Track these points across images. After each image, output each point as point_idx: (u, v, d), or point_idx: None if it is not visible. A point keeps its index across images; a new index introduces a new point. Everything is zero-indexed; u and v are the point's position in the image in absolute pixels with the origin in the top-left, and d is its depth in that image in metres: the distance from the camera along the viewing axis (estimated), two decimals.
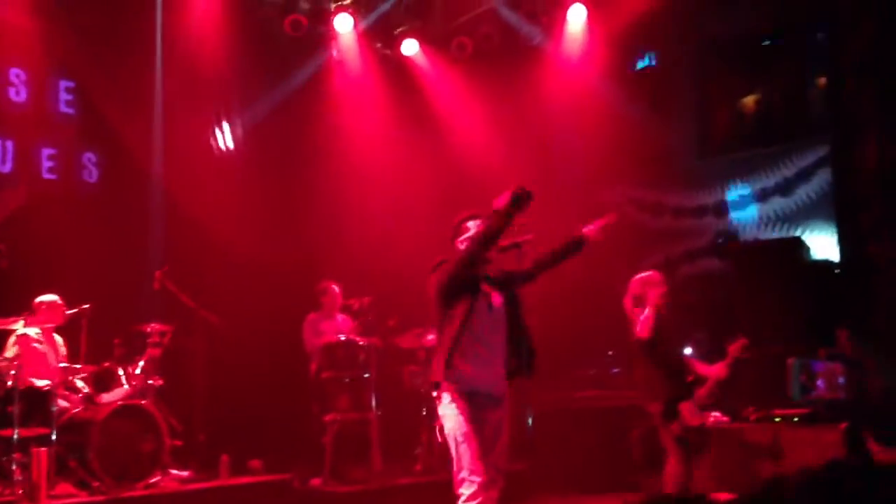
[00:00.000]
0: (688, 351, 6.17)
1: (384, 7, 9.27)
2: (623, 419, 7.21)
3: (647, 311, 5.56)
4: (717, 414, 6.47)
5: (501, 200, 4.23)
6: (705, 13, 8.48)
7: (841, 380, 5.82)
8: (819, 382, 5.86)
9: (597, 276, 8.94)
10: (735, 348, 5.53)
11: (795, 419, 6.22)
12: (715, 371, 5.57)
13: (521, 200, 4.21)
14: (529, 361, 4.42)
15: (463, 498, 4.13)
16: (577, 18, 8.95)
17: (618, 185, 9.16)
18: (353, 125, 9.43)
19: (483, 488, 4.12)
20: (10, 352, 6.46)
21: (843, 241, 7.11)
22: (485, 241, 4.28)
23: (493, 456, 4.25)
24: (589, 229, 4.59)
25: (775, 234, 7.86)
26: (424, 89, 9.66)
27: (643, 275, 5.78)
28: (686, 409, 5.45)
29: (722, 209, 8.39)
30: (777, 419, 6.33)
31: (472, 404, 4.22)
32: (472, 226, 4.45)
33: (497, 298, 4.40)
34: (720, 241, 8.19)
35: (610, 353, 8.17)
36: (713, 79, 8.70)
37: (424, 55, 9.60)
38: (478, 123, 9.31)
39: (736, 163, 8.46)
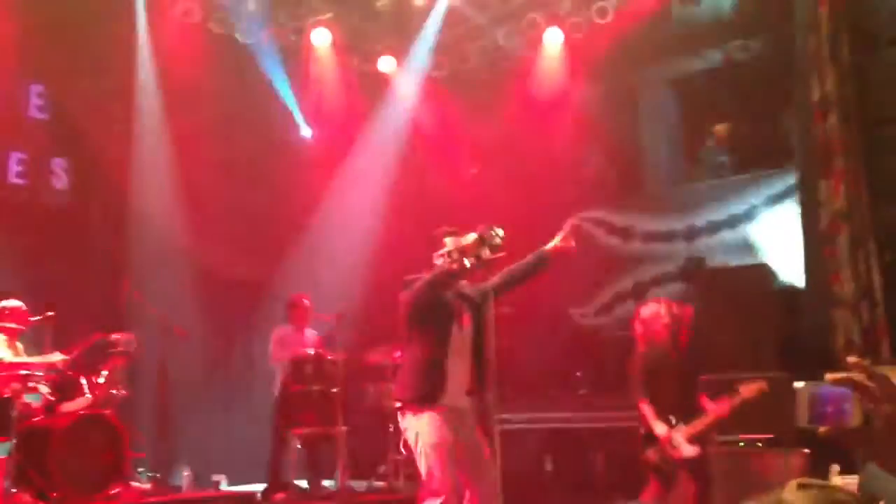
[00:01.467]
0: None
1: (361, 23, 9.31)
2: (589, 441, 7.25)
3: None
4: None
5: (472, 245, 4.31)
6: (679, 46, 8.64)
7: (848, 406, 5.74)
8: (828, 409, 5.79)
9: (565, 298, 9.05)
10: (748, 390, 5.36)
11: (759, 444, 6.27)
12: (716, 408, 5.43)
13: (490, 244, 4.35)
14: (484, 376, 4.50)
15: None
16: (552, 42, 9.05)
17: (588, 208, 9.24)
18: (331, 139, 9.44)
19: None
20: None
21: (808, 271, 7.23)
22: (450, 277, 4.36)
23: (482, 484, 4.26)
24: (553, 245, 4.63)
25: (742, 260, 7.98)
26: (401, 106, 9.71)
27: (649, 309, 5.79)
28: (667, 439, 5.38)
29: (691, 235, 8.51)
30: (741, 444, 6.37)
31: (444, 419, 4.24)
32: (449, 242, 4.46)
33: (466, 318, 4.42)
34: (688, 266, 8.29)
35: (578, 374, 8.21)
36: (687, 108, 8.85)
37: (402, 72, 9.66)
38: (452, 142, 9.37)
39: (707, 189, 8.59)
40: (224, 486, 7.04)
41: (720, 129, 8.70)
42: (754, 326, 6.92)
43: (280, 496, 6.92)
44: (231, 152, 8.89)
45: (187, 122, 8.45)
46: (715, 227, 8.39)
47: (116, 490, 6.24)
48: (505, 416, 8.03)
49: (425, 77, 9.59)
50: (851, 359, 1.85)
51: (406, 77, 9.67)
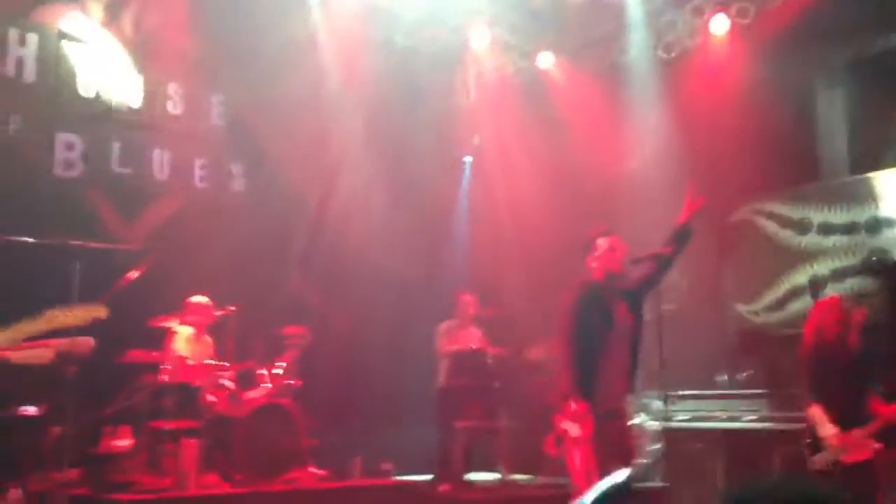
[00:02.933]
0: None
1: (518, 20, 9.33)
2: (761, 443, 6.96)
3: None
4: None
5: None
6: (859, 27, 8.09)
7: None
8: None
9: (731, 294, 8.70)
10: None
11: None
12: (887, 410, 5.15)
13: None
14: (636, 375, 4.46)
15: None
16: (719, 29, 8.72)
17: (758, 200, 8.85)
18: (490, 137, 9.52)
19: None
20: (165, 349, 6.87)
21: None
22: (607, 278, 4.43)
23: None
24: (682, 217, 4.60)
25: None
26: (559, 101, 9.65)
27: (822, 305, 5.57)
28: (837, 442, 5.12)
29: (874, 227, 7.95)
30: None
31: (596, 418, 4.19)
32: (603, 243, 4.44)
33: (623, 316, 4.37)
34: (871, 260, 7.75)
35: (745, 373, 7.91)
36: (867, 92, 8.27)
37: (560, 68, 9.61)
38: (612, 136, 9.21)
39: (890, 178, 8.00)
40: (391, 475, 7.27)
41: None
42: None
43: (446, 487, 7.07)
44: (398, 151, 9.15)
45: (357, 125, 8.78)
46: None
47: (294, 475, 6.59)
48: (671, 415, 7.90)
49: (584, 71, 9.49)
50: None
51: (564, 72, 9.61)
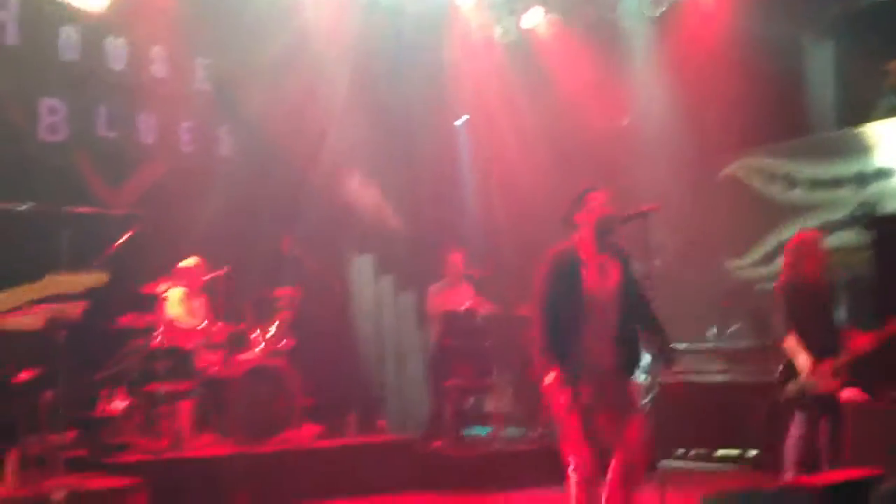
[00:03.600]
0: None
1: None
2: (747, 396, 7.08)
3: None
4: (855, 391, 6.20)
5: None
6: None
7: None
8: None
9: (720, 249, 8.76)
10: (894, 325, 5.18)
11: None
12: (861, 341, 5.28)
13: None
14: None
15: (570, 468, 4.19)
16: None
17: (747, 155, 8.86)
18: (478, 96, 9.47)
19: (582, 467, 4.12)
20: (157, 313, 6.89)
21: None
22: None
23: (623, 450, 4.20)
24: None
25: None
26: (548, 59, 9.60)
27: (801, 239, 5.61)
28: (810, 371, 5.23)
29: (862, 180, 7.99)
30: None
31: (581, 381, 4.14)
32: (594, 198, 4.39)
33: (607, 278, 4.30)
34: (859, 213, 7.80)
35: (735, 327, 7.99)
36: (855, 46, 8.25)
37: (548, 25, 9.53)
38: (602, 94, 9.17)
39: (879, 132, 8.01)
40: (385, 433, 7.35)
41: (893, 66, 8.05)
42: None
43: (438, 443, 7.16)
44: (386, 110, 9.10)
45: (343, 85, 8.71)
46: (888, 173, 7.83)
47: (288, 434, 6.66)
48: (664, 372, 7.99)
49: (573, 28, 9.43)
50: None
51: (553, 29, 9.54)
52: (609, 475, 4.21)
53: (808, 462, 5.33)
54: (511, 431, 7.38)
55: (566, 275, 4.20)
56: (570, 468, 4.17)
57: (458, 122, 9.44)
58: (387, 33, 9.07)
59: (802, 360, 5.28)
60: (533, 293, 4.28)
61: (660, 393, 7.90)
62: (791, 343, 5.34)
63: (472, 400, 7.53)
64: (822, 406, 5.30)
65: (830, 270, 5.57)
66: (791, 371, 5.35)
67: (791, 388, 5.35)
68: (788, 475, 5.37)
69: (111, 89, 8.14)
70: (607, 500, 4.18)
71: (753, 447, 7.25)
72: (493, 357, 7.35)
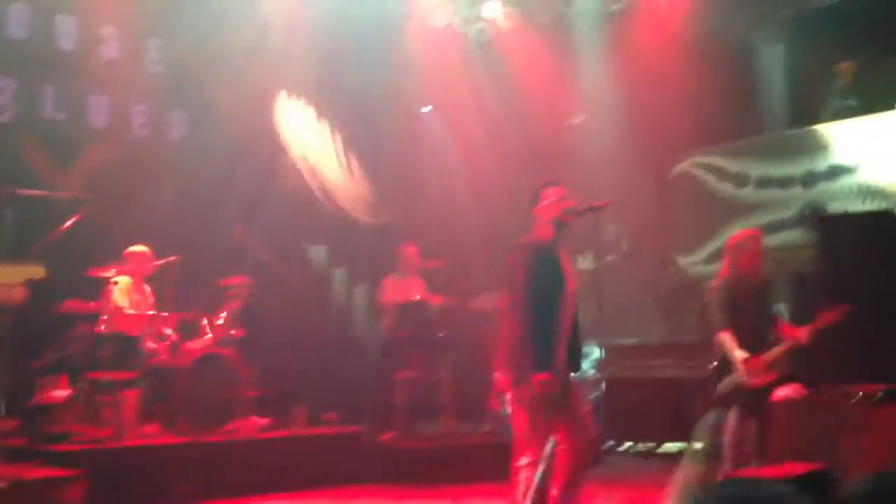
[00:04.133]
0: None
1: None
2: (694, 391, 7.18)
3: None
4: (797, 386, 6.33)
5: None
6: None
7: None
8: None
9: (671, 245, 8.87)
10: (828, 317, 5.31)
11: (877, 396, 6.05)
12: (794, 334, 5.39)
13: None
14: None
15: (522, 462, 4.21)
16: None
17: (699, 153, 8.98)
18: (438, 88, 9.43)
19: (532, 466, 4.14)
20: (103, 299, 6.76)
21: None
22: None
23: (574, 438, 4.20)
24: None
25: (867, 206, 7.58)
26: (507, 52, 9.60)
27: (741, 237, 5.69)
28: (746, 366, 5.31)
29: (810, 180, 8.14)
30: (857, 395, 6.16)
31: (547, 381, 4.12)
32: (551, 193, 4.38)
33: (572, 274, 4.29)
34: (807, 212, 7.95)
35: (684, 323, 8.11)
36: (806, 48, 8.39)
37: (507, 18, 9.53)
38: (556, 90, 9.21)
39: (828, 132, 8.17)
40: (334, 425, 7.31)
41: (844, 67, 8.21)
42: (877, 275, 6.60)
43: (386, 436, 7.15)
44: (347, 100, 9.03)
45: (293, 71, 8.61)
46: (836, 173, 7.99)
47: (235, 425, 6.59)
48: (609, 364, 8.09)
49: (530, 23, 9.45)
50: None
51: (512, 23, 9.54)
52: (557, 469, 4.22)
53: (745, 455, 5.41)
54: (461, 425, 7.39)
55: (550, 268, 4.17)
56: (523, 462, 4.17)
57: (424, 110, 9.37)
58: (349, 21, 8.97)
59: (737, 356, 5.36)
60: (511, 284, 4.19)
61: (607, 387, 8.03)
62: (726, 338, 5.40)
63: (423, 392, 7.51)
64: (756, 400, 5.39)
65: (767, 267, 5.67)
66: (726, 366, 5.43)
67: (726, 383, 5.42)
68: (726, 469, 5.47)
69: (60, 69, 7.95)
70: (557, 494, 4.20)
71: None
72: (445, 349, 7.35)
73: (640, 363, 8.01)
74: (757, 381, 5.32)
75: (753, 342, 5.37)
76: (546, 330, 4.09)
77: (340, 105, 9.14)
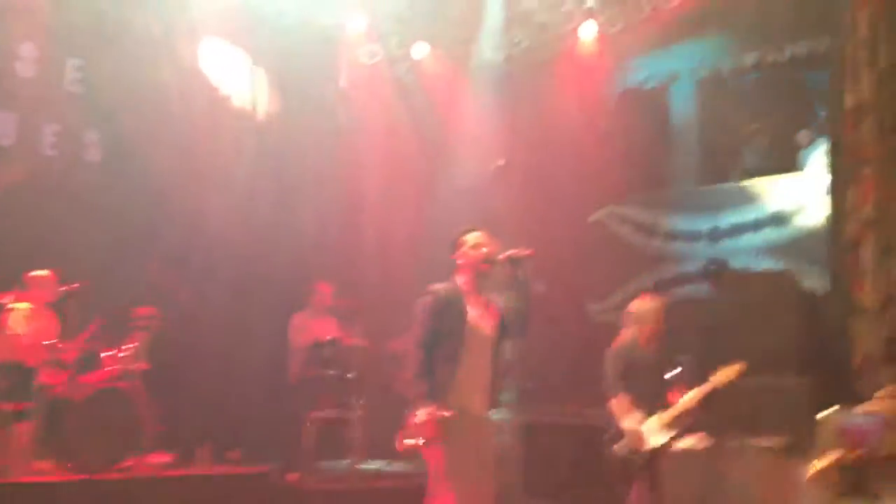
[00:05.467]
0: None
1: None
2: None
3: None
4: (699, 434, 6.51)
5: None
6: (705, 48, 8.61)
7: (878, 436, 5.53)
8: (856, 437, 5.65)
9: (583, 293, 9.04)
10: (719, 378, 5.46)
11: (773, 449, 6.26)
12: (686, 398, 5.53)
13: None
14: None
15: None
16: (587, 36, 9.01)
17: (614, 203, 9.23)
18: (356, 125, 9.48)
19: None
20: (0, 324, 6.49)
21: (833, 278, 7.15)
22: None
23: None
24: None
25: (767, 264, 7.91)
26: (432, 94, 9.71)
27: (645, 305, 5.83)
28: (636, 432, 5.46)
29: (715, 235, 8.46)
30: (757, 446, 6.36)
31: (449, 423, 4.16)
32: (469, 239, 4.42)
33: (484, 321, 4.34)
34: (711, 267, 8.25)
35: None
36: (717, 107, 8.77)
37: (434, 60, 9.66)
38: (477, 133, 9.36)
39: (734, 190, 8.52)
40: (238, 464, 7.14)
41: (751, 130, 8.61)
42: (775, 331, 6.87)
43: (294, 476, 7.03)
44: (262, 137, 8.94)
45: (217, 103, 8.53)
46: (739, 230, 8.32)
47: (134, 462, 6.37)
48: (524, 411, 8.13)
49: (458, 66, 9.59)
50: (880, 393, 1.88)
51: (439, 65, 9.67)
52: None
53: None
54: (370, 465, 7.32)
55: (450, 312, 4.22)
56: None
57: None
58: (278, 47, 8.94)
59: (630, 421, 5.49)
60: (413, 328, 4.25)
61: (519, 431, 8.06)
62: (620, 403, 5.53)
63: (333, 432, 7.42)
64: (651, 462, 5.50)
65: (663, 333, 5.78)
66: (619, 430, 5.53)
67: (621, 447, 5.53)
68: None
69: None
70: None
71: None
72: (355, 389, 7.29)
73: (551, 408, 8.08)
74: (652, 442, 5.45)
75: (649, 405, 5.52)
76: (441, 372, 4.14)
77: (257, 135, 9.06)
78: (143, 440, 6.50)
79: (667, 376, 5.64)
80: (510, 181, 9.11)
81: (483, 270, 4.34)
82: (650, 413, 5.52)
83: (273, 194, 8.84)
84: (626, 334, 5.78)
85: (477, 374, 4.22)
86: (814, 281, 7.43)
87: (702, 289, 8.19)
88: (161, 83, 8.37)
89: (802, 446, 6.05)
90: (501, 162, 9.51)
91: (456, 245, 4.45)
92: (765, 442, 6.36)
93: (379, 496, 6.88)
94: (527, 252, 4.44)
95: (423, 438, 4.09)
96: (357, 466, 7.26)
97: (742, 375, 5.51)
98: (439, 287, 4.33)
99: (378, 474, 7.28)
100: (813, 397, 6.28)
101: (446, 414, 4.10)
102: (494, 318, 4.34)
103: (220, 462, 7.11)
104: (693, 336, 7.09)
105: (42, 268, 6.86)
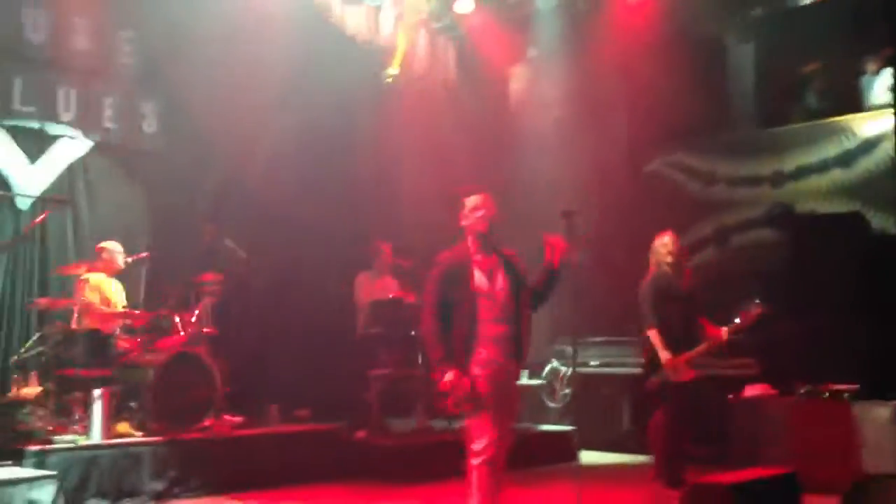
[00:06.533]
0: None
1: None
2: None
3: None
4: (764, 386, 6.49)
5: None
6: None
7: None
8: None
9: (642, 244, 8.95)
10: (746, 318, 5.70)
11: (845, 395, 6.19)
12: (715, 333, 5.80)
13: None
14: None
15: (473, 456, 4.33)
16: None
17: (669, 152, 9.07)
18: (409, 84, 9.42)
19: (484, 452, 4.28)
20: (75, 296, 6.70)
21: None
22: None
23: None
24: (548, 259, 4.52)
25: (834, 207, 7.73)
26: (477, 48, 9.61)
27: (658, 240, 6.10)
28: (670, 364, 5.70)
29: (778, 180, 8.27)
30: (826, 394, 6.30)
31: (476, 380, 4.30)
32: (468, 203, 4.48)
33: (495, 283, 4.44)
34: (775, 212, 8.09)
35: None
36: (776, 48, 8.50)
37: (478, 14, 9.53)
38: (528, 88, 9.25)
39: (796, 132, 8.30)
40: (308, 422, 7.30)
41: (812, 69, 8.34)
42: (844, 275, 6.75)
43: (361, 433, 7.17)
44: (313, 100, 8.96)
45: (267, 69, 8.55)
46: (804, 172, 8.12)
47: (209, 423, 6.57)
48: (581, 361, 8.16)
49: (501, 17, 9.46)
50: None
51: (483, 19, 9.54)
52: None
53: (672, 448, 5.84)
54: (436, 422, 7.43)
55: (456, 279, 4.34)
56: (474, 455, 4.28)
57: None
58: (325, 16, 8.91)
59: (664, 355, 5.76)
60: (424, 298, 4.43)
61: (578, 384, 8.11)
62: (653, 337, 5.80)
63: (396, 389, 7.54)
64: (679, 394, 5.78)
65: (691, 268, 6.09)
66: (654, 363, 5.80)
67: (654, 379, 5.83)
68: (654, 461, 5.91)
69: (29, 62, 7.83)
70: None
71: None
72: (418, 347, 7.37)
73: (612, 360, 8.09)
74: (679, 378, 5.72)
75: (679, 340, 5.78)
76: (454, 334, 4.27)
77: (314, 100, 9.07)
78: (216, 402, 6.69)
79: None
80: (564, 133, 9.04)
81: (483, 232, 4.42)
82: (680, 345, 5.75)
83: (330, 154, 8.90)
84: (652, 268, 6.04)
85: (496, 331, 4.33)
86: (883, 222, 7.24)
87: (766, 235, 8.05)
88: (213, 49, 8.41)
89: (871, 390, 5.99)
90: (553, 115, 9.44)
91: (460, 208, 4.54)
92: (833, 387, 6.30)
93: (444, 452, 6.98)
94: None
95: (456, 398, 4.25)
96: (422, 423, 7.38)
97: (763, 318, 5.68)
98: (445, 256, 4.49)
99: (443, 430, 7.38)
100: (883, 341, 6.18)
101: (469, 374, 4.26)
102: (507, 277, 4.42)
103: (289, 421, 7.28)
104: (757, 282, 7.01)
105: (110, 238, 7.04)
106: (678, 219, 8.75)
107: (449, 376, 4.21)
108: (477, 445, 4.26)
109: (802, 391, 6.38)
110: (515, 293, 4.40)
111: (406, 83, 9.41)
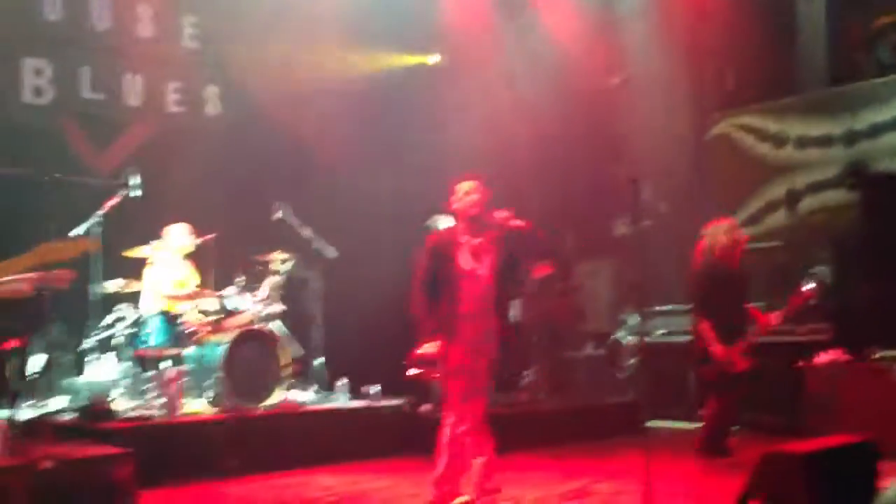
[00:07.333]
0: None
1: None
2: None
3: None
4: (838, 351, 6.35)
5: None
6: None
7: None
8: None
9: (709, 209, 8.73)
10: (798, 299, 5.67)
11: None
12: (766, 320, 5.79)
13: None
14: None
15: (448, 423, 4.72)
16: None
17: (736, 113, 8.79)
18: (471, 48, 9.32)
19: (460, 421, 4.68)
20: (144, 276, 6.89)
21: None
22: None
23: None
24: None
25: None
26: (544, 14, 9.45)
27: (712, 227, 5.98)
28: (724, 356, 5.67)
29: (851, 138, 7.94)
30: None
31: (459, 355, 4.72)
32: (460, 189, 4.72)
33: (487, 261, 4.77)
34: (850, 172, 7.78)
35: None
36: (846, 4, 8.13)
37: None
38: (593, 50, 9.04)
39: (868, 89, 7.94)
40: (376, 397, 7.38)
41: (883, 22, 7.95)
42: None
43: (426, 407, 7.21)
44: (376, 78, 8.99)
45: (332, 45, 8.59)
46: (878, 130, 7.77)
47: (279, 399, 6.71)
48: (648, 330, 8.04)
49: None
50: None
51: None
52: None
53: (720, 428, 5.88)
54: (498, 396, 7.41)
55: (443, 257, 4.65)
56: (449, 422, 4.65)
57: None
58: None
59: (716, 347, 5.72)
60: (415, 271, 4.72)
61: (643, 353, 7.99)
62: (705, 328, 5.75)
63: None
64: (734, 384, 5.77)
65: (744, 256, 5.92)
66: (706, 354, 5.78)
67: (708, 370, 5.82)
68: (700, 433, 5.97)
69: (95, 50, 8.03)
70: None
71: None
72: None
73: (679, 329, 7.94)
74: (733, 369, 5.71)
75: (732, 328, 5.73)
76: (443, 310, 4.62)
77: (372, 76, 9.08)
78: (286, 378, 6.82)
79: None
80: (628, 97, 8.85)
81: (473, 217, 4.67)
82: (733, 333, 5.70)
83: (394, 132, 8.91)
84: (702, 254, 5.94)
85: (475, 308, 4.61)
86: None
87: (840, 195, 7.77)
88: (275, 30, 8.48)
89: None
90: (620, 78, 9.23)
91: (451, 193, 4.78)
92: None
93: (505, 426, 6.95)
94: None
95: (427, 368, 4.75)
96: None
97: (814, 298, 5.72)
98: (437, 233, 4.86)
99: (497, 403, 7.37)
100: None
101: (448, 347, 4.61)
102: (490, 259, 4.69)
103: (356, 397, 7.38)
104: (832, 245, 6.78)
105: (178, 221, 7.19)
106: (747, 182, 8.55)
107: (433, 346, 4.61)
108: (448, 412, 4.64)
109: (876, 356, 6.19)
110: (501, 276, 4.70)
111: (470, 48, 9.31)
